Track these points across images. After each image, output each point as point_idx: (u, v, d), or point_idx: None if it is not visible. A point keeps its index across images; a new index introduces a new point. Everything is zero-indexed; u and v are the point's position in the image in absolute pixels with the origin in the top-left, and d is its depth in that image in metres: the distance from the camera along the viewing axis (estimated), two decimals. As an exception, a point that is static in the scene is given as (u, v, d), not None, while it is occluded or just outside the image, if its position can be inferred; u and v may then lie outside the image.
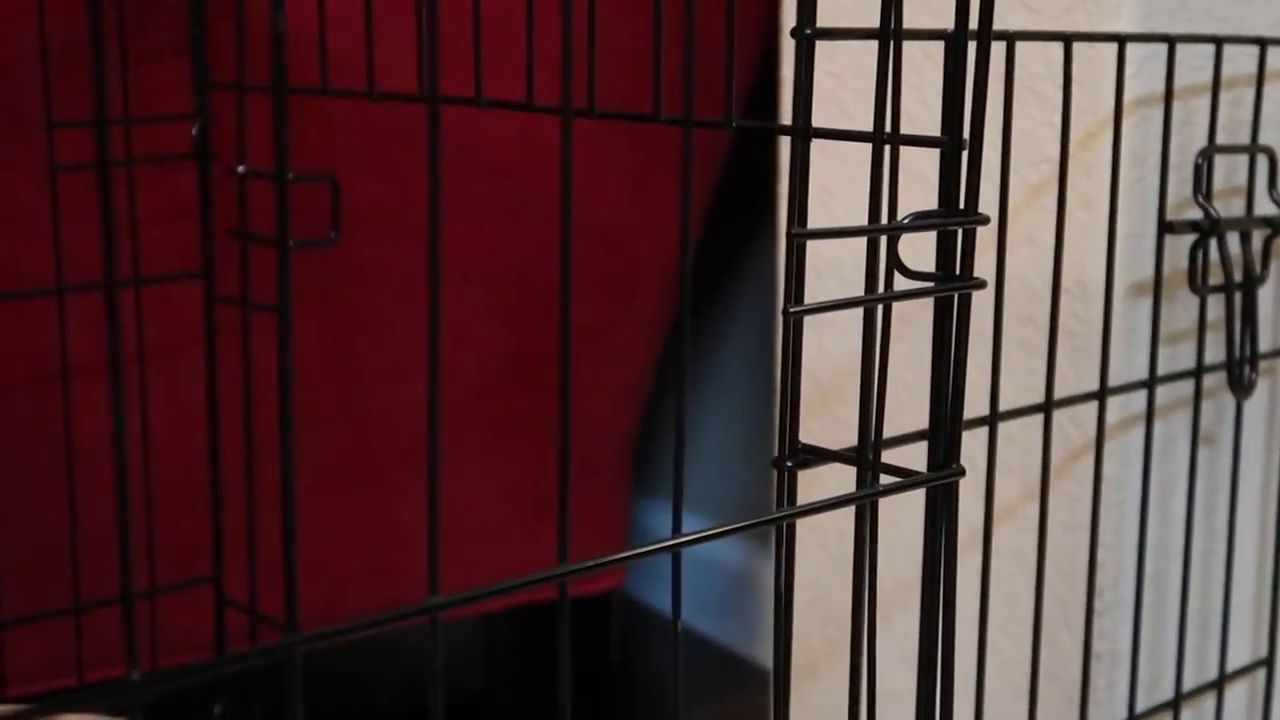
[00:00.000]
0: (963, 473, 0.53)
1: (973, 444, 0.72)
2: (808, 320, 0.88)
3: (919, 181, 0.77)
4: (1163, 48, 0.73)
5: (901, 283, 0.52)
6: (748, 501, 1.35)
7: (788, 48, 0.92)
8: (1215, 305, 0.77)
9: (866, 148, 0.87)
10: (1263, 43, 0.75)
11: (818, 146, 0.75)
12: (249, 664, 0.38)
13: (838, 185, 0.87)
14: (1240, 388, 0.76)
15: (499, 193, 1.01)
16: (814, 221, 0.87)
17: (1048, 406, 0.70)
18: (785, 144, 0.93)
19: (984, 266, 0.64)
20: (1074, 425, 0.78)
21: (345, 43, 0.80)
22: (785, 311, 0.47)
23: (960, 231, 0.51)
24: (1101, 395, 0.72)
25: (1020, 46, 0.76)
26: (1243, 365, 0.76)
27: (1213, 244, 0.74)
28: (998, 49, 0.64)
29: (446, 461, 1.02)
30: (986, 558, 0.65)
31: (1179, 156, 0.76)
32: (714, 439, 1.39)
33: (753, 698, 1.23)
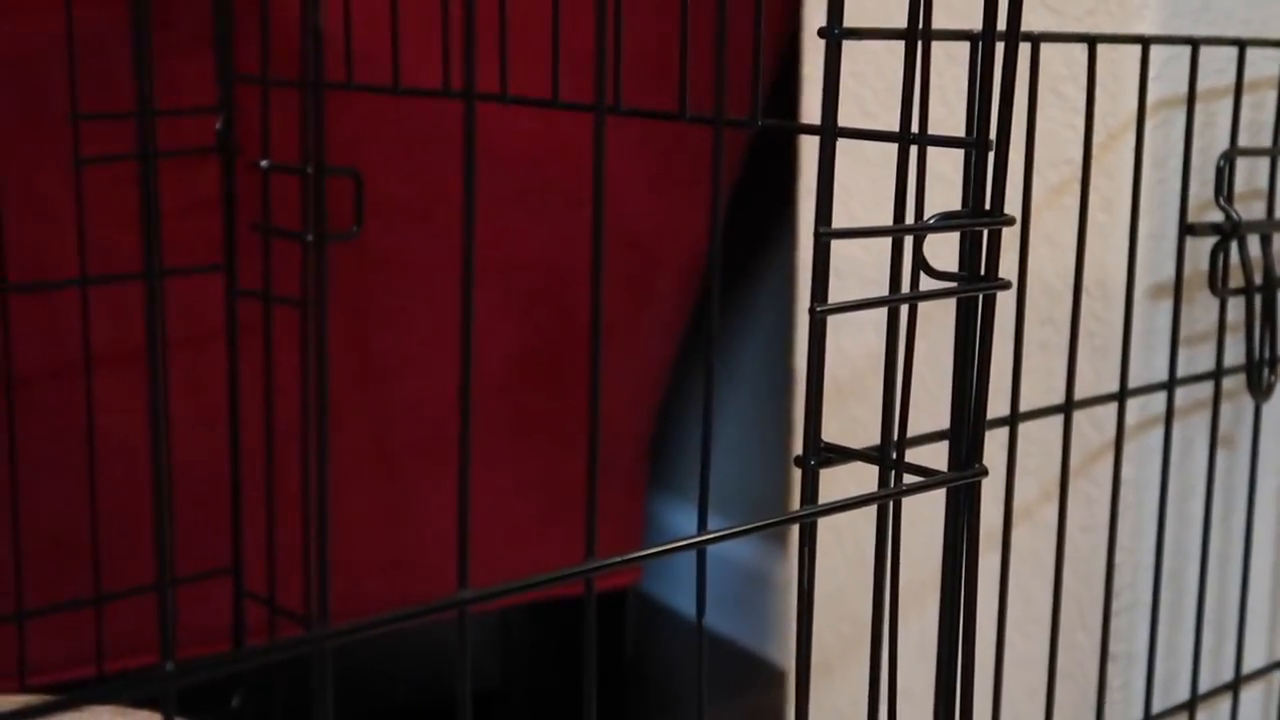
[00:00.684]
0: (985, 473, 0.53)
1: (991, 445, 0.72)
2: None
3: (938, 180, 0.77)
4: (1185, 50, 0.73)
5: (926, 283, 0.52)
6: (763, 499, 1.35)
7: (809, 46, 0.93)
8: (1235, 308, 0.77)
9: (885, 146, 0.87)
10: (1286, 46, 0.75)
11: (838, 145, 0.75)
12: (279, 656, 0.38)
13: (857, 184, 0.87)
14: (1259, 390, 0.76)
15: (519, 189, 1.01)
16: (834, 220, 0.87)
17: (1068, 408, 0.70)
18: (805, 143, 0.93)
19: (1006, 267, 0.64)
20: (1092, 426, 0.78)
21: (368, 38, 0.80)
22: (812, 310, 0.47)
23: (985, 232, 0.51)
24: (1121, 397, 0.72)
25: (1043, 48, 0.76)
26: (1262, 368, 0.76)
27: (1233, 246, 0.74)
28: (1022, 50, 0.64)
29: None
30: (1005, 559, 0.66)
31: (1200, 159, 0.77)
32: (729, 436, 1.39)
33: (765, 695, 1.23)
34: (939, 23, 0.81)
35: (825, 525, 0.91)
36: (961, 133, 0.53)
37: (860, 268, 0.88)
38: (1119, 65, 0.75)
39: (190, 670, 0.36)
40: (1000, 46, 0.52)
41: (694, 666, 0.48)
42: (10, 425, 0.85)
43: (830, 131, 0.51)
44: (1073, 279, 0.71)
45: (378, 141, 0.95)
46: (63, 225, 0.84)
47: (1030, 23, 0.79)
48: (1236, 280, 0.75)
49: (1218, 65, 0.76)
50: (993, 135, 0.52)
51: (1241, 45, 0.74)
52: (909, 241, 0.51)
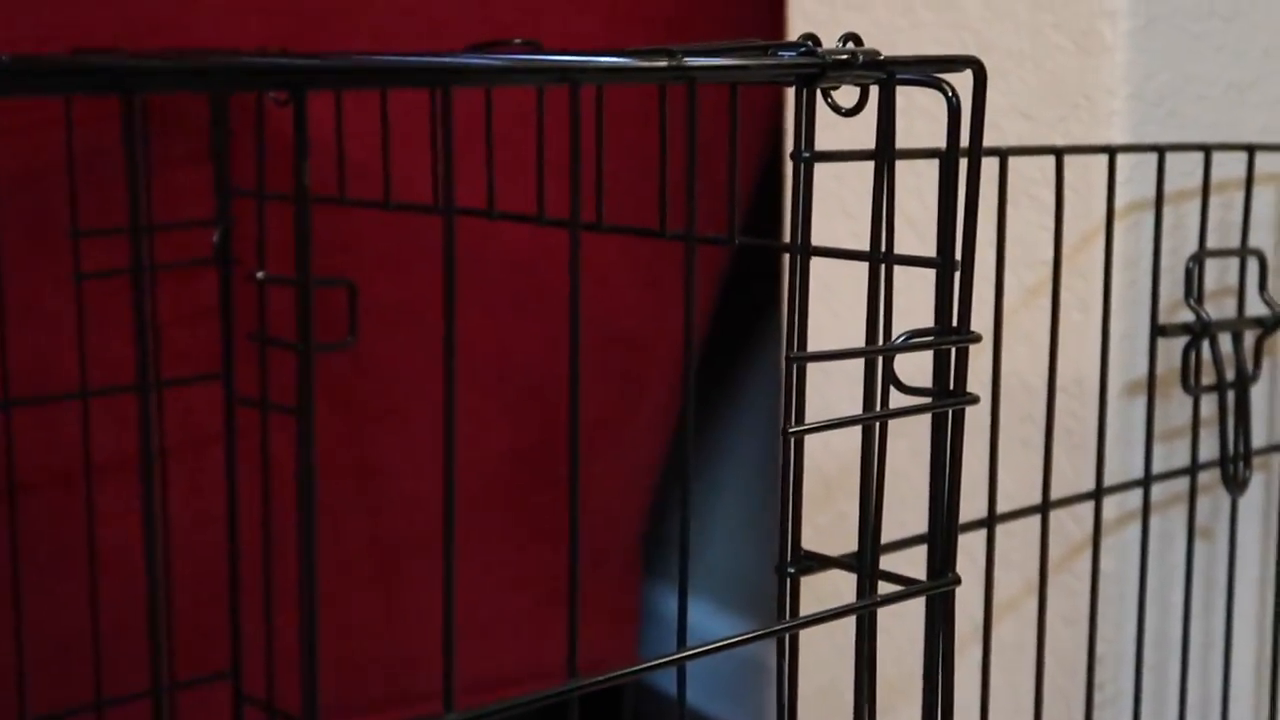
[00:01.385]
0: (958, 581, 0.54)
1: (975, 540, 0.74)
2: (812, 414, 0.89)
3: (914, 275, 0.78)
4: (1154, 154, 0.75)
5: (898, 397, 0.54)
6: (759, 584, 1.36)
7: (789, 164, 0.95)
8: (1209, 403, 0.79)
9: (865, 237, 0.89)
10: (1251, 149, 0.78)
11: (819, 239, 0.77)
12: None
13: (838, 281, 0.89)
14: (1234, 484, 0.78)
15: (510, 292, 1.03)
16: (816, 316, 0.88)
17: (1044, 508, 0.72)
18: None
19: (982, 366, 0.66)
20: (1073, 520, 0.80)
21: (361, 151, 0.82)
22: (784, 432, 0.49)
23: (953, 350, 0.53)
24: (1098, 495, 0.74)
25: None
26: (1236, 462, 0.78)
27: (1205, 343, 0.76)
28: (991, 164, 0.66)
29: (460, 555, 1.04)
30: (986, 655, 0.67)
31: (1171, 259, 0.79)
32: (731, 522, 1.41)
33: (764, 783, 1.24)
34: (922, 130, 0.83)
35: (815, 618, 0.92)
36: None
37: (843, 363, 0.89)
38: (1090, 169, 0.77)
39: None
40: (964, 164, 0.53)
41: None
42: (13, 533, 0.87)
43: (801, 252, 0.53)
44: (1047, 378, 0.73)
45: (372, 250, 0.97)
46: (64, 337, 0.86)
47: (1004, 129, 0.81)
48: (1209, 376, 0.77)
49: (1186, 168, 0.79)
50: (959, 254, 0.54)
51: (1207, 150, 0.76)
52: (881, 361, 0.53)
